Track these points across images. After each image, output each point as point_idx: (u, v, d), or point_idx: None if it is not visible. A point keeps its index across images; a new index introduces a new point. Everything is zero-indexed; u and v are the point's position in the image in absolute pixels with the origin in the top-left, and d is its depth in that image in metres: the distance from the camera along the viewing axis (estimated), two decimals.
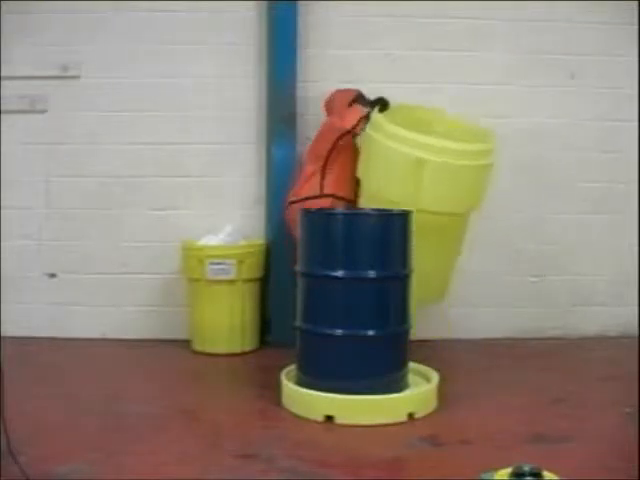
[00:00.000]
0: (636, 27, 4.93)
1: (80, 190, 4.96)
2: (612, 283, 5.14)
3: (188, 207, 4.98)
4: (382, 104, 4.46)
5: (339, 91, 4.65)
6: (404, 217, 3.71)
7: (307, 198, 4.46)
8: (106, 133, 4.93)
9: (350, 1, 4.90)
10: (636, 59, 4.97)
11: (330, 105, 4.66)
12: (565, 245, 5.11)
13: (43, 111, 4.91)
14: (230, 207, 4.99)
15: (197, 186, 4.98)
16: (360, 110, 4.41)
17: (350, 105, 4.49)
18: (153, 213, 4.99)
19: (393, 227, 3.73)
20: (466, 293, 5.03)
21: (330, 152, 4.45)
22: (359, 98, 4.51)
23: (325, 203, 4.40)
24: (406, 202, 3.92)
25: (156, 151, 4.95)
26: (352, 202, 4.44)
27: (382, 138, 4.11)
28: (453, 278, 4.56)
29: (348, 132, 4.40)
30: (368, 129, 4.27)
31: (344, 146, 4.47)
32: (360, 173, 4.36)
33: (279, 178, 4.81)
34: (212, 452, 3.15)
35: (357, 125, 4.36)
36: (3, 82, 4.81)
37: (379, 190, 4.17)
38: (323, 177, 4.45)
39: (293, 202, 4.54)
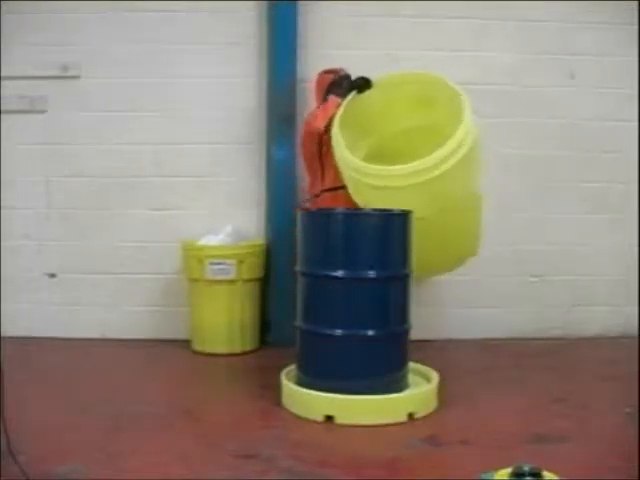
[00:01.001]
0: (636, 27, 4.93)
1: (80, 190, 4.96)
2: (612, 283, 5.14)
3: (188, 207, 4.98)
4: (359, 86, 4.31)
5: (321, 74, 4.53)
6: (404, 217, 3.71)
7: (315, 196, 4.45)
8: (106, 133, 4.93)
9: (350, 1, 4.90)
10: (636, 59, 4.97)
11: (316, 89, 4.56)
12: (565, 245, 5.11)
13: (43, 111, 4.91)
14: (230, 207, 4.99)
15: (197, 186, 4.98)
16: (333, 104, 4.29)
17: (327, 91, 4.40)
18: (153, 213, 4.98)
19: (393, 227, 3.73)
20: (466, 293, 5.04)
21: (320, 148, 4.36)
22: (335, 84, 4.39)
23: (326, 199, 4.36)
24: (361, 203, 4.02)
25: (156, 151, 4.95)
26: None
27: (334, 149, 4.10)
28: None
29: (325, 132, 4.26)
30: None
31: (330, 139, 4.31)
32: None
33: (279, 178, 4.82)
34: (212, 452, 3.15)
35: (329, 124, 4.20)
36: (3, 82, 4.81)
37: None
38: (323, 174, 4.43)
39: (308, 200, 4.53)
